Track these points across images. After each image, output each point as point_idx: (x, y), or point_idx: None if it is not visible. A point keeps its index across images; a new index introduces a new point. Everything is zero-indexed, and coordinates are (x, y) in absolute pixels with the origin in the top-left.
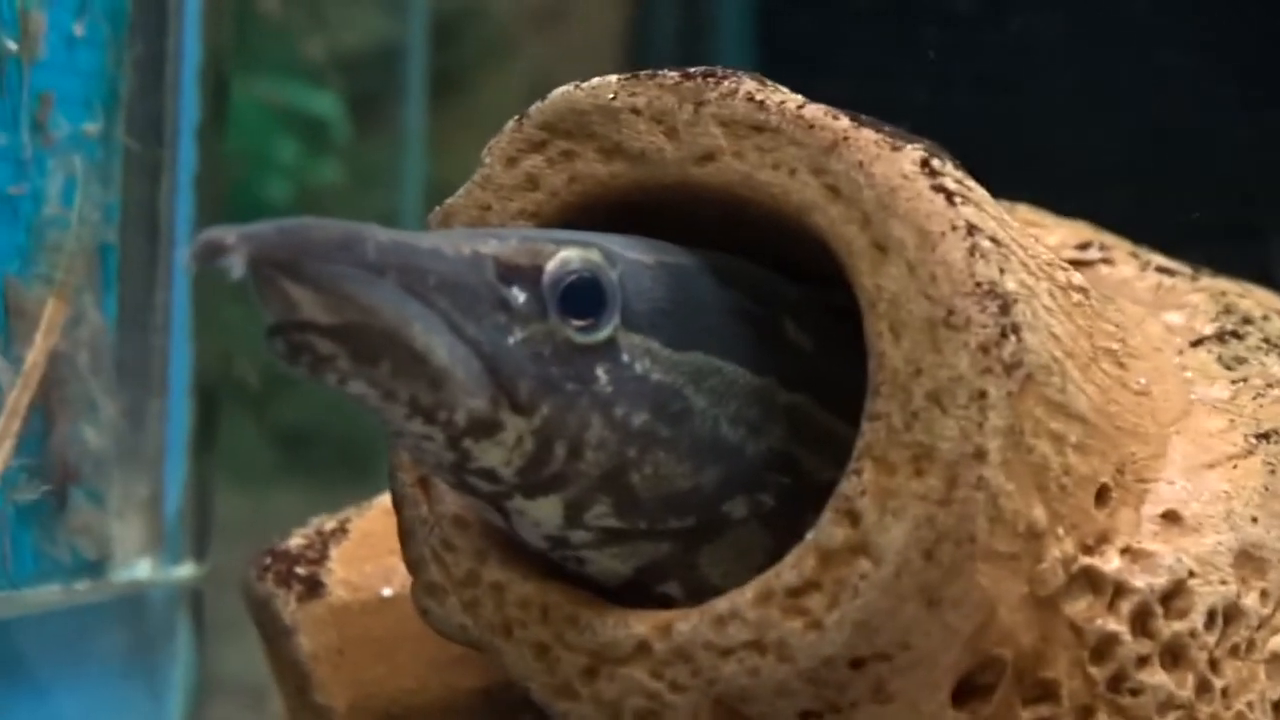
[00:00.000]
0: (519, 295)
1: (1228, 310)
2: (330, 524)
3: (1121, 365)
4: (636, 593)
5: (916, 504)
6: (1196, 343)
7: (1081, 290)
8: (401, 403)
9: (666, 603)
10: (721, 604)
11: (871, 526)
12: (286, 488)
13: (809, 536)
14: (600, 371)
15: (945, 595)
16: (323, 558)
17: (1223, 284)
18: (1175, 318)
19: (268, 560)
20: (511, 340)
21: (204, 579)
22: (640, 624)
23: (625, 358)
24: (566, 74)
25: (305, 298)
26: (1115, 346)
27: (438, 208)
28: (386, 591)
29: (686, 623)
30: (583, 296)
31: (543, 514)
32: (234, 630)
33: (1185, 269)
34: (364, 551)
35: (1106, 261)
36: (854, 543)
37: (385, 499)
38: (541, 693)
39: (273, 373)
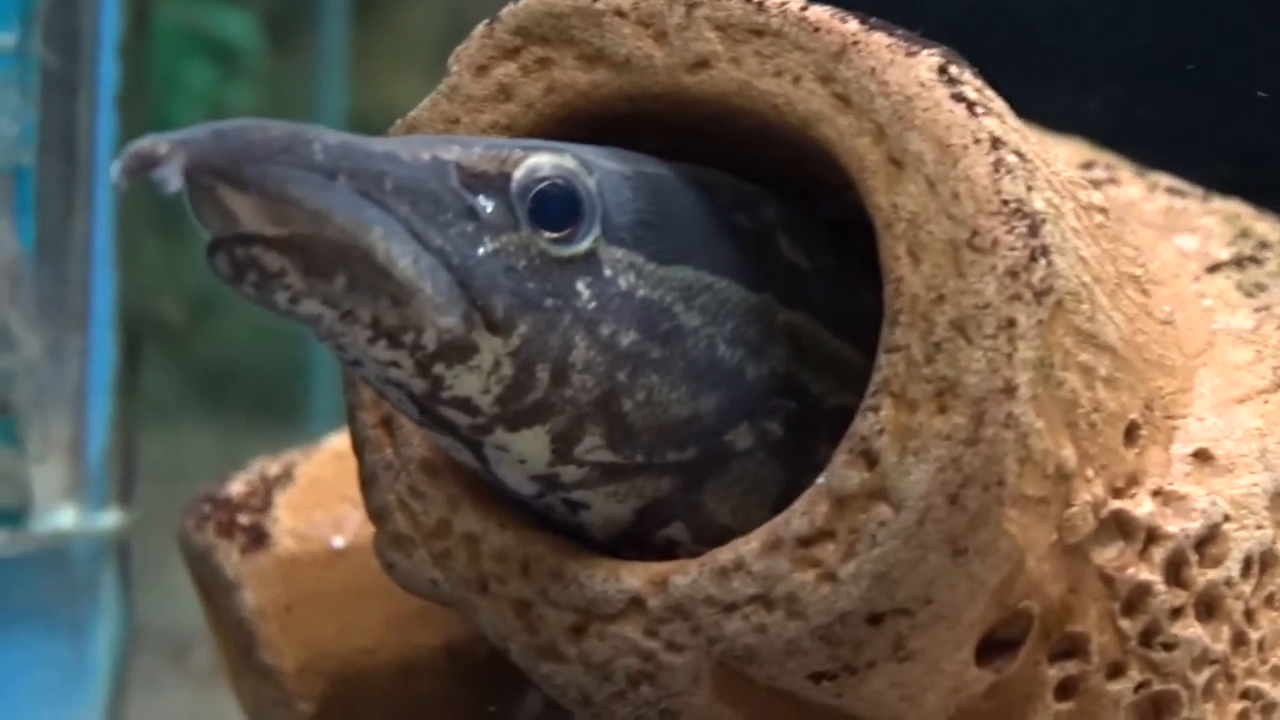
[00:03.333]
0: (486, 204)
1: (1244, 234)
2: (274, 468)
3: (1145, 292)
4: (637, 543)
5: (940, 444)
6: (1213, 268)
7: (1103, 211)
8: (363, 324)
9: (671, 550)
10: (724, 554)
11: (891, 469)
12: (205, 428)
13: (820, 480)
14: (581, 286)
15: (971, 544)
16: (267, 505)
17: (1235, 206)
18: (1188, 242)
19: (206, 508)
20: (482, 251)
21: (129, 527)
22: (633, 577)
23: (608, 272)
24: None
25: (247, 207)
26: (1138, 272)
27: (399, 121)
28: (338, 542)
29: (685, 576)
30: (558, 206)
31: (528, 449)
32: (156, 579)
33: (1196, 190)
34: (312, 499)
35: (1112, 182)
36: (871, 487)
37: (335, 441)
38: (522, 654)
39: (197, 308)
